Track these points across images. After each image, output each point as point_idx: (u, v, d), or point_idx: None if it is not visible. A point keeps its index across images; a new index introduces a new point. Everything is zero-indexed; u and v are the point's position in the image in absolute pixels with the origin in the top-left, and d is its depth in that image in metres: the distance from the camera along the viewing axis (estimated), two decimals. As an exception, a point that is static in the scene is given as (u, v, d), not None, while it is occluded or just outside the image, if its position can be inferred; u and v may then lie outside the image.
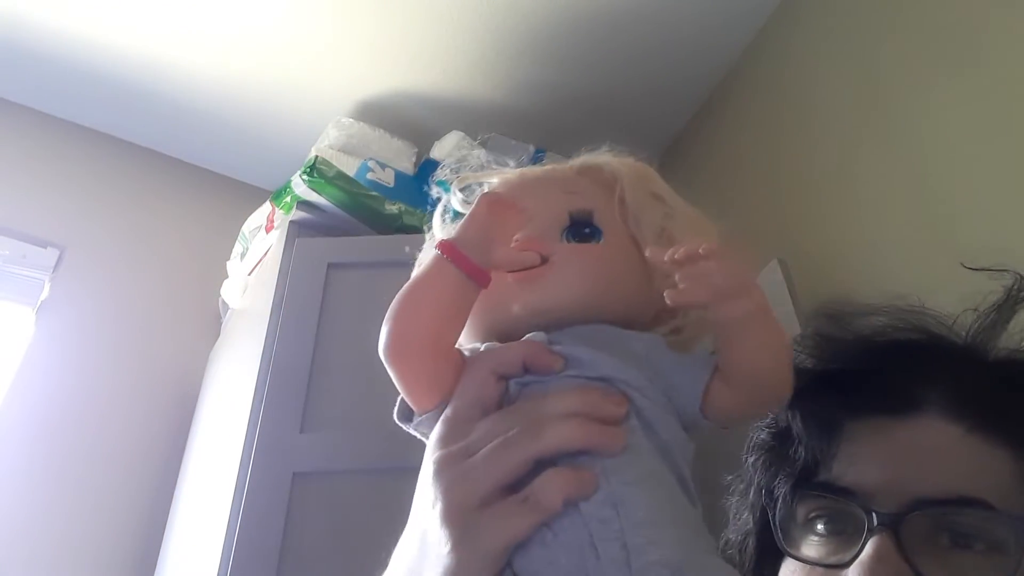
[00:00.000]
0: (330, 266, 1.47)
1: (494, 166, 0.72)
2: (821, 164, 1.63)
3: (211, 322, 1.97)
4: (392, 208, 1.63)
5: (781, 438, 0.67)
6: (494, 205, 0.55)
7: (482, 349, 0.55)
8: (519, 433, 0.47)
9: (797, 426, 0.66)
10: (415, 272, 0.59)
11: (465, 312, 0.53)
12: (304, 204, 1.59)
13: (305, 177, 1.55)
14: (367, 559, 1.17)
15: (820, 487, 0.61)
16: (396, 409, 0.56)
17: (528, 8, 1.87)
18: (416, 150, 2.04)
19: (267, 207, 1.76)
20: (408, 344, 0.52)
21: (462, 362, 0.53)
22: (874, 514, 0.56)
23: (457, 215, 0.68)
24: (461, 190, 0.71)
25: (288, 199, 1.61)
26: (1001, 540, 0.55)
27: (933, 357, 0.63)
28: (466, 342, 0.58)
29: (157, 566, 1.61)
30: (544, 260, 0.56)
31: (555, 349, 0.52)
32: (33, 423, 1.72)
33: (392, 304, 0.55)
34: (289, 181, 1.61)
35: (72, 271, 1.92)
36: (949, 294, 0.66)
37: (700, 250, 0.49)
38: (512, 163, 0.72)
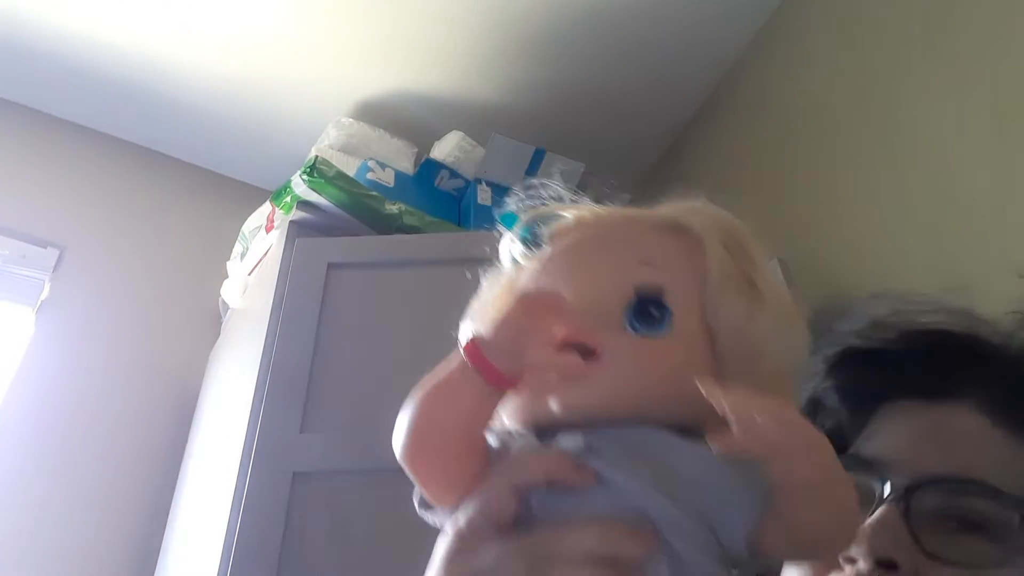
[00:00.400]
0: (330, 266, 1.47)
1: (568, 199, 0.64)
2: (822, 163, 1.63)
3: (211, 322, 1.97)
4: (392, 208, 1.63)
5: (812, 406, 0.68)
6: (531, 307, 0.49)
7: (511, 447, 0.50)
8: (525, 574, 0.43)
9: (832, 400, 0.67)
10: (441, 367, 0.52)
11: (489, 415, 0.50)
12: (304, 204, 1.59)
13: (305, 177, 1.55)
14: (367, 559, 1.17)
15: (842, 458, 0.61)
16: (416, 496, 0.53)
17: (528, 7, 1.87)
18: (416, 150, 2.04)
19: (267, 207, 1.76)
20: (424, 450, 0.50)
21: (486, 457, 0.50)
22: (888, 483, 0.58)
23: (529, 240, 0.62)
24: (529, 226, 0.63)
25: (288, 199, 1.61)
26: (1009, 529, 0.55)
27: (974, 352, 0.64)
28: (504, 417, 0.54)
29: (157, 566, 1.61)
30: (593, 353, 0.50)
31: (589, 463, 0.46)
32: (33, 423, 1.71)
33: (409, 401, 0.51)
34: (289, 181, 1.61)
35: (72, 271, 1.92)
36: (949, 294, 0.66)
37: (756, 413, 0.44)
38: (591, 200, 0.63)
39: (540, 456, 0.48)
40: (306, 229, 1.59)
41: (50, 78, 2.00)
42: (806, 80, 1.76)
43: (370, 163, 1.91)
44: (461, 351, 0.50)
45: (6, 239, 1.87)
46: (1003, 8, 1.30)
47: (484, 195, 1.94)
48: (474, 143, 1.99)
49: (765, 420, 0.44)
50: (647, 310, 0.52)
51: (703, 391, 0.46)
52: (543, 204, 0.64)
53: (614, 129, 2.16)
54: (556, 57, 1.99)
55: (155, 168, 2.16)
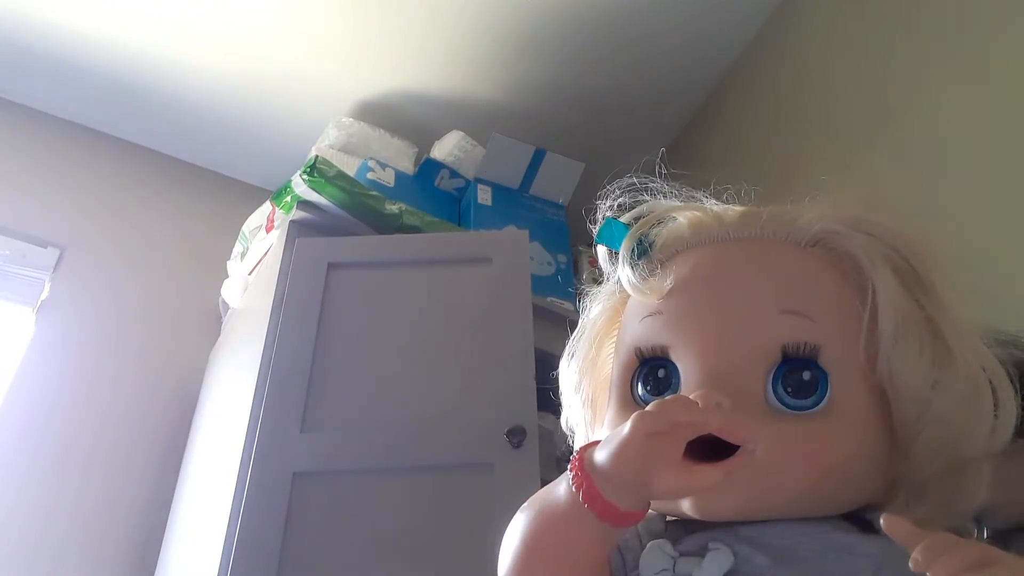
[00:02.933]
0: (330, 266, 1.47)
1: (677, 201, 0.53)
2: (822, 163, 1.63)
3: (211, 322, 1.97)
4: (392, 208, 1.63)
5: None
6: (653, 434, 0.39)
7: (639, 556, 0.43)
8: None
9: None
10: (553, 490, 0.43)
11: (606, 551, 0.42)
12: (304, 204, 1.59)
13: (305, 177, 1.55)
14: (367, 559, 1.17)
15: None
16: None
17: (528, 7, 1.87)
18: (416, 150, 2.04)
19: (267, 207, 1.76)
20: None
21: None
22: (985, 528, 0.53)
23: (642, 253, 0.50)
24: (636, 239, 0.51)
25: (288, 199, 1.61)
26: None
27: None
28: None
29: (157, 566, 1.61)
30: (736, 448, 0.41)
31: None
32: (33, 423, 1.71)
33: (519, 525, 0.44)
34: (289, 181, 1.61)
35: (72, 271, 1.92)
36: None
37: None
38: (705, 198, 0.53)
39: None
40: (306, 229, 1.59)
41: (50, 78, 2.00)
42: (806, 80, 1.76)
43: (370, 163, 1.91)
44: (572, 483, 0.41)
45: (6, 239, 1.87)
46: (1005, 7, 1.30)
47: (484, 195, 1.94)
48: (474, 143, 1.99)
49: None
50: (797, 378, 0.42)
51: (886, 527, 0.35)
52: (647, 206, 0.53)
53: (614, 129, 2.16)
54: (556, 57, 1.99)
55: (155, 168, 2.16)
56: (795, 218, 0.48)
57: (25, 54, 1.94)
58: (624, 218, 0.52)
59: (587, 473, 0.40)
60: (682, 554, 0.42)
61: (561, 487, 0.42)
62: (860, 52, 1.61)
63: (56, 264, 1.91)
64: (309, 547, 1.19)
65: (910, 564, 0.34)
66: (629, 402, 0.48)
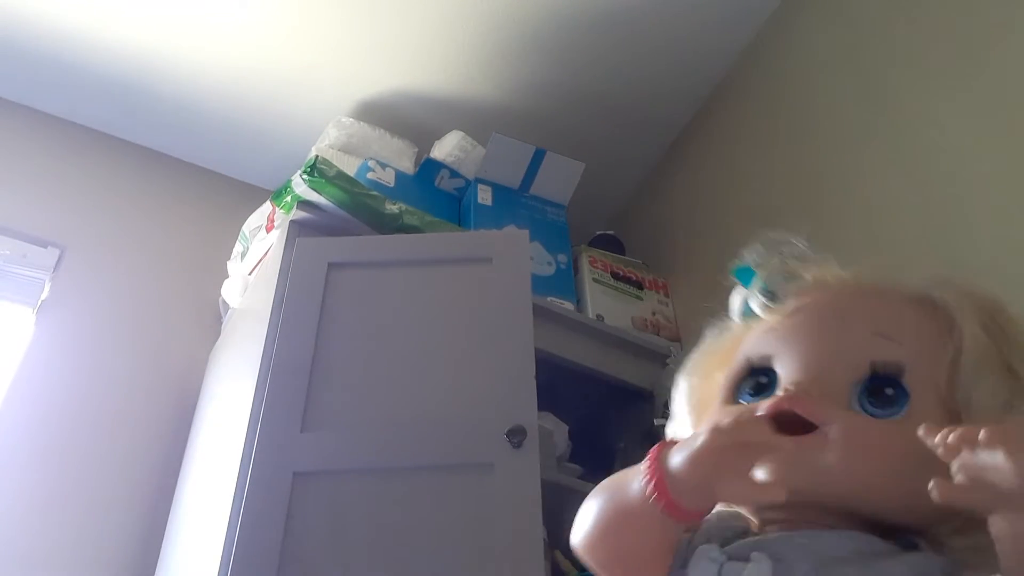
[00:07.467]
0: (330, 266, 1.47)
1: (810, 258, 0.57)
2: (822, 165, 1.63)
3: (211, 322, 1.97)
4: (392, 208, 1.63)
5: None
6: (726, 448, 0.43)
7: (689, 559, 0.46)
8: None
9: None
10: (629, 474, 0.48)
11: (672, 542, 0.47)
12: (304, 204, 1.59)
13: (305, 177, 1.55)
14: (367, 559, 1.17)
15: None
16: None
17: (529, 7, 1.87)
18: (416, 150, 2.04)
19: (267, 207, 1.76)
20: (604, 566, 0.48)
21: (666, 567, 0.47)
22: None
23: (764, 297, 0.56)
24: (765, 283, 0.57)
25: (288, 199, 1.61)
26: None
27: None
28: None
29: (157, 566, 1.61)
30: (815, 428, 0.45)
31: None
32: (33, 423, 1.71)
33: (587, 517, 0.49)
34: (289, 181, 1.61)
35: (72, 271, 1.92)
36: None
37: (981, 436, 0.37)
38: (835, 264, 0.57)
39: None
40: (306, 229, 1.59)
41: (50, 78, 2.00)
42: (807, 80, 1.76)
43: (370, 163, 1.91)
44: (647, 476, 0.45)
45: (6, 239, 1.87)
46: (1005, 11, 1.30)
47: (484, 195, 1.94)
48: (474, 143, 1.99)
49: (989, 461, 0.37)
50: (881, 392, 0.46)
51: (921, 436, 0.40)
52: (783, 261, 0.58)
53: (614, 129, 2.16)
54: (556, 56, 1.99)
55: (155, 168, 2.16)
56: (905, 278, 0.55)
57: (25, 54, 1.94)
58: (755, 264, 0.58)
59: (660, 471, 0.45)
60: (730, 557, 0.45)
61: (634, 479, 0.46)
62: (858, 54, 1.61)
63: (56, 264, 1.90)
64: (309, 547, 1.19)
65: (933, 445, 0.39)
66: (730, 402, 0.53)
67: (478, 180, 1.96)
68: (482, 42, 1.95)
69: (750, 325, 0.57)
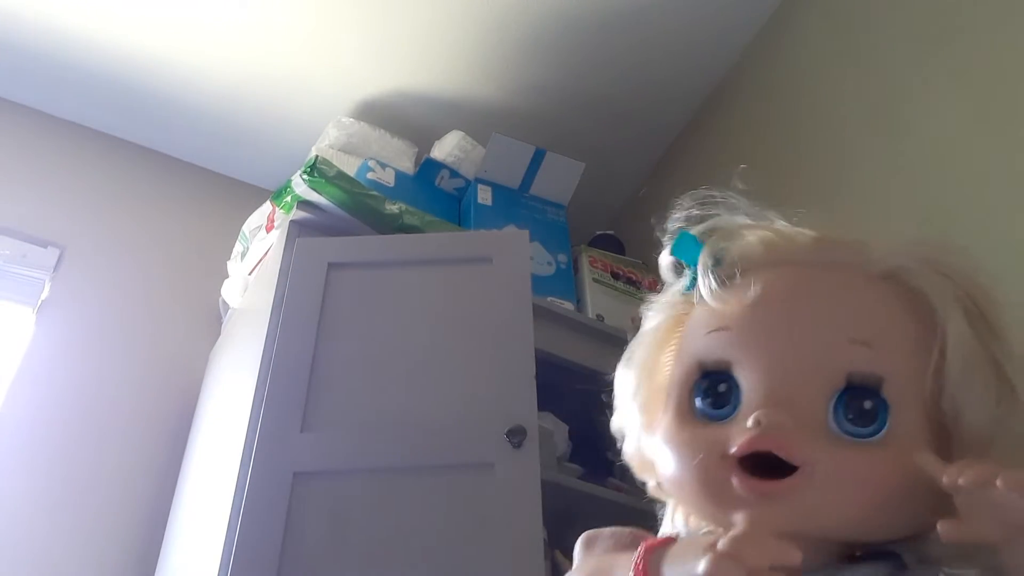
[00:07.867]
0: (330, 266, 1.47)
1: (748, 219, 0.53)
2: (822, 164, 1.63)
3: (211, 322, 1.97)
4: (392, 208, 1.63)
5: None
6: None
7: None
8: None
9: None
10: (614, 535, 0.46)
11: None
12: (304, 204, 1.59)
13: (305, 177, 1.55)
14: (367, 559, 1.17)
15: None
16: None
17: (529, 7, 1.87)
18: (416, 150, 2.04)
19: (267, 207, 1.76)
20: None
21: None
22: None
23: (717, 267, 0.50)
24: (702, 251, 0.50)
25: (288, 199, 1.61)
26: None
27: None
28: (680, 520, 0.49)
29: (157, 566, 1.61)
30: (794, 468, 0.42)
31: None
32: (33, 423, 1.71)
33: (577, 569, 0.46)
34: (289, 181, 1.61)
35: (72, 271, 1.92)
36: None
37: (998, 481, 0.36)
38: (777, 219, 0.53)
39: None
40: (306, 229, 1.59)
41: (50, 78, 2.00)
42: (806, 80, 1.76)
43: (370, 163, 1.91)
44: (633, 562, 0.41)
45: (6, 239, 1.87)
46: (1003, 9, 1.30)
47: (484, 195, 1.94)
48: (474, 143, 1.99)
49: (999, 499, 0.36)
50: (859, 406, 0.43)
51: (921, 464, 0.39)
52: (718, 219, 0.53)
53: (614, 129, 2.16)
54: (556, 57, 1.99)
55: (155, 168, 2.16)
56: (869, 249, 0.49)
57: (25, 54, 1.94)
58: (695, 230, 0.52)
59: (644, 555, 0.41)
60: None
61: (624, 542, 0.44)
62: (858, 55, 1.61)
63: (56, 264, 1.91)
64: (309, 547, 1.19)
65: (944, 483, 0.37)
66: (686, 412, 0.49)
67: (478, 180, 1.96)
68: (482, 42, 1.95)
69: (690, 299, 0.51)
